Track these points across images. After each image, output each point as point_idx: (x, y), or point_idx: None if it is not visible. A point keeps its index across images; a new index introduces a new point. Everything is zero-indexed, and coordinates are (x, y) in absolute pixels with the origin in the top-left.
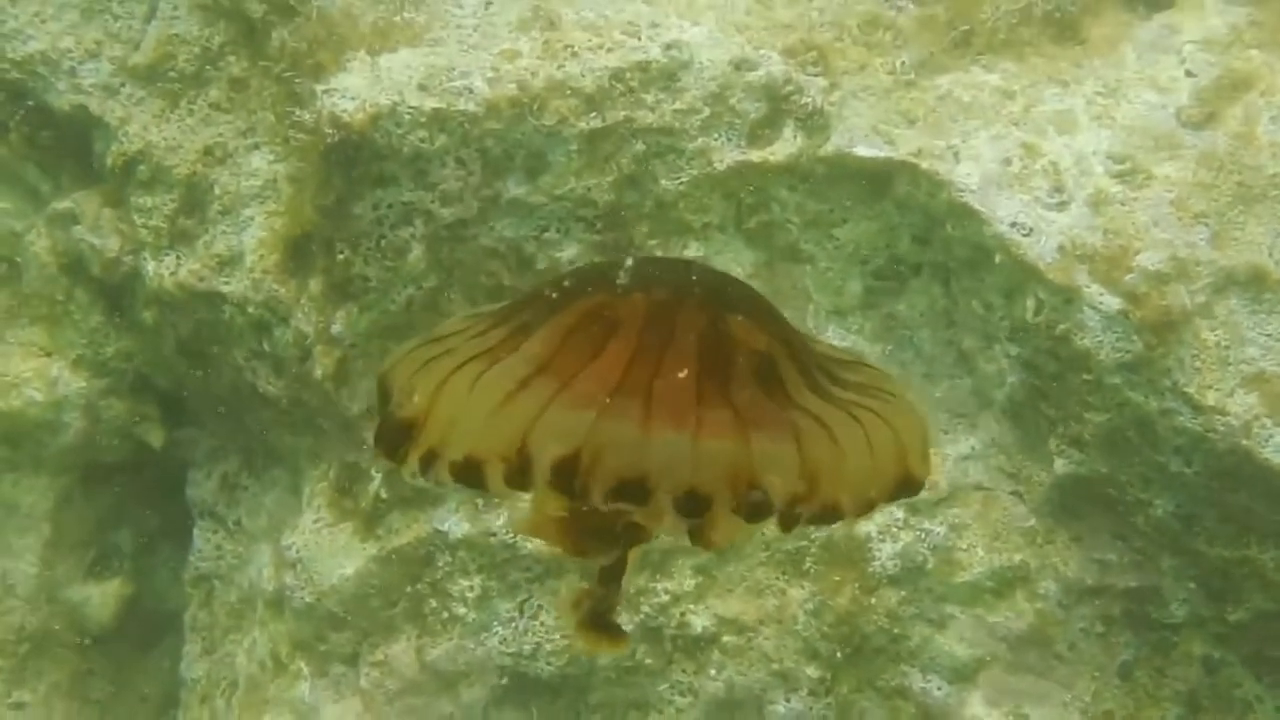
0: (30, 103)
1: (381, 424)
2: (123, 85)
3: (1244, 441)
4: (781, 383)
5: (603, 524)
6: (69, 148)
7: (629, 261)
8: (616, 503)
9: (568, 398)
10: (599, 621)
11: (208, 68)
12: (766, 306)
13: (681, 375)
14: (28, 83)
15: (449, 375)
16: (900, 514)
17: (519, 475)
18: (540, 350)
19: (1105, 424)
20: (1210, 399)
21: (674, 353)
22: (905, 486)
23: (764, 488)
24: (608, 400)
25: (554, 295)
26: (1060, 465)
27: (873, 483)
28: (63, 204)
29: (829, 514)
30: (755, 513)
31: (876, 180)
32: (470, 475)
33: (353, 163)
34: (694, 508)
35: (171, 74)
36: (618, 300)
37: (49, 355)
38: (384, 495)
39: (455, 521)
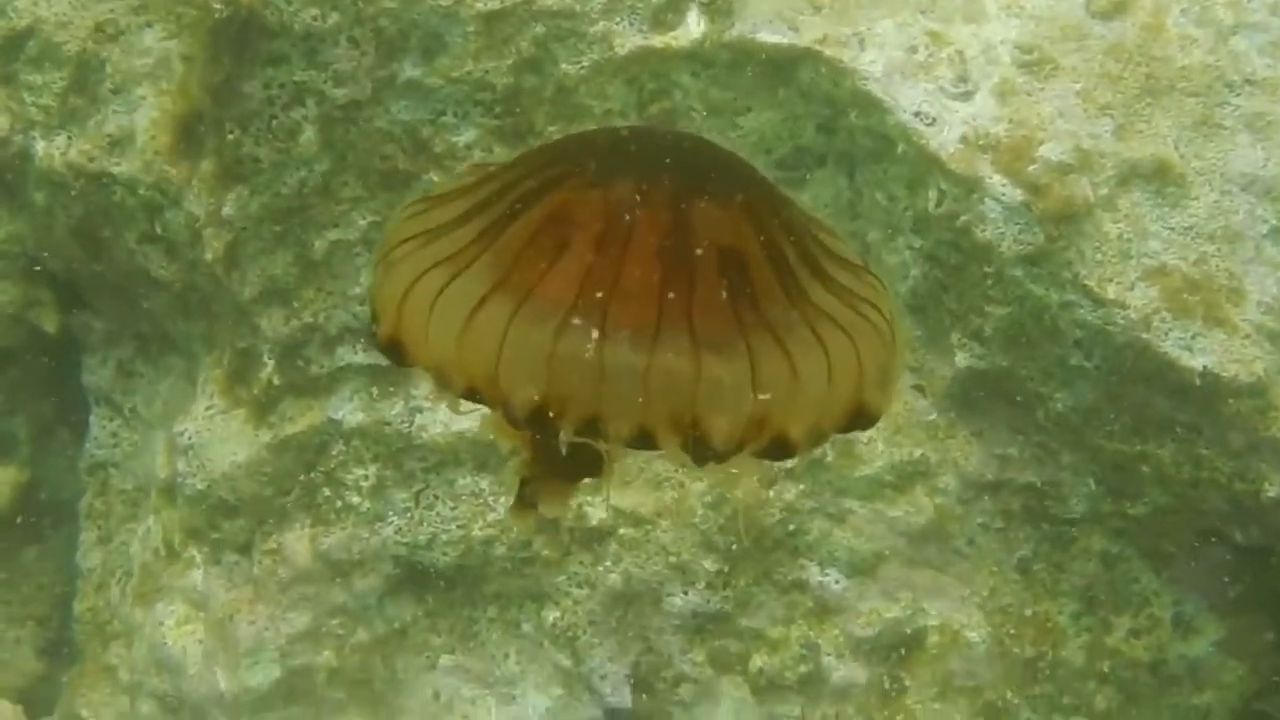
0: None
1: (374, 339)
2: None
3: (1143, 335)
4: (750, 286)
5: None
6: None
7: (603, 138)
8: (582, 437)
9: (524, 320)
10: (531, 504)
11: None
12: (752, 182)
13: (641, 285)
14: None
15: (412, 284)
16: None
17: (508, 414)
18: (499, 260)
19: (1006, 317)
20: (1111, 292)
21: (634, 256)
22: (857, 419)
23: (705, 429)
24: (563, 323)
25: (520, 184)
26: (961, 359)
27: (825, 414)
28: None
29: (778, 449)
30: (700, 455)
31: (780, 68)
32: (477, 400)
33: (243, 40)
34: (644, 445)
35: None
36: (579, 195)
37: None
38: (277, 382)
39: (350, 410)
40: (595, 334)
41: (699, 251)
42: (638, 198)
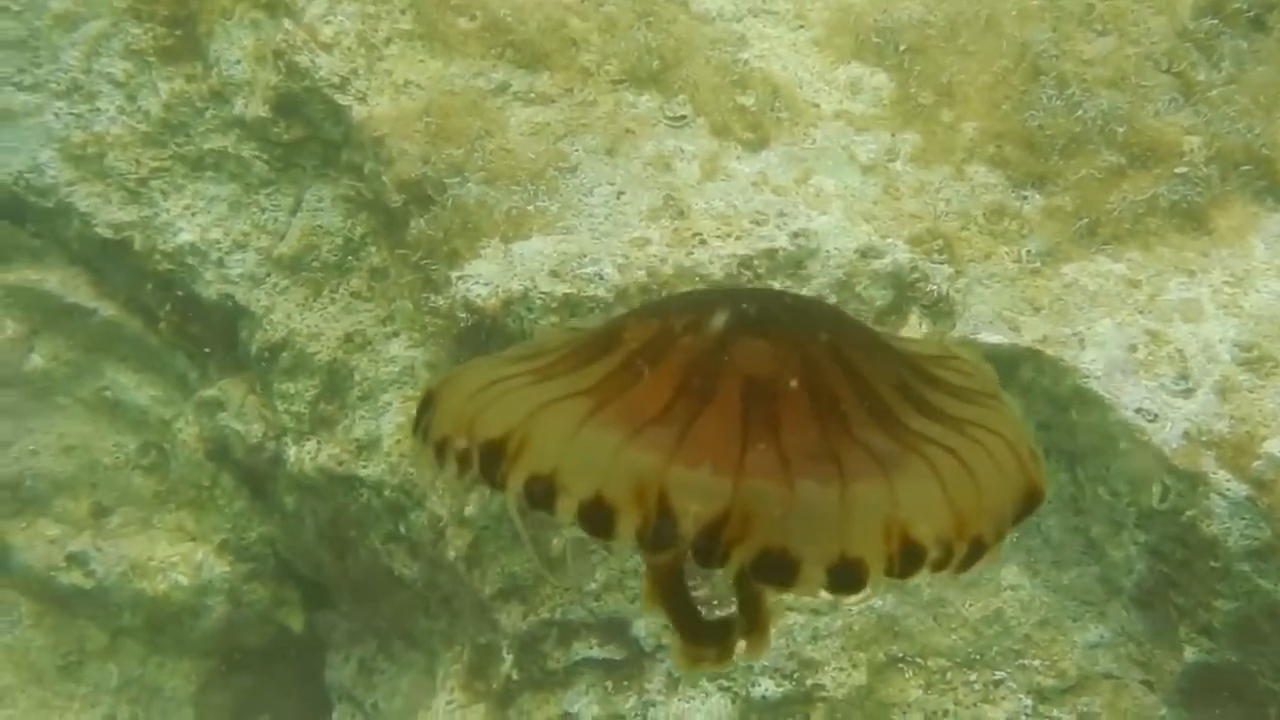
0: (179, 293)
1: (477, 448)
2: (268, 275)
3: None
4: (891, 412)
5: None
6: (216, 336)
7: (713, 298)
8: (758, 577)
9: (696, 449)
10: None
11: (349, 257)
12: (852, 323)
13: (801, 420)
14: (177, 273)
15: (542, 406)
16: (1029, 702)
17: (657, 531)
18: (653, 398)
19: (1235, 612)
20: None
21: (785, 398)
22: (1031, 500)
23: (917, 540)
24: (744, 452)
25: (650, 338)
26: (1190, 654)
27: (1006, 505)
28: (209, 391)
29: (975, 552)
30: (909, 568)
31: (1002, 366)
32: (598, 519)
33: (486, 347)
34: (849, 578)
35: (315, 264)
36: (714, 343)
37: (194, 540)
38: (515, 676)
39: (585, 704)
40: (778, 468)
41: (838, 387)
42: (768, 341)
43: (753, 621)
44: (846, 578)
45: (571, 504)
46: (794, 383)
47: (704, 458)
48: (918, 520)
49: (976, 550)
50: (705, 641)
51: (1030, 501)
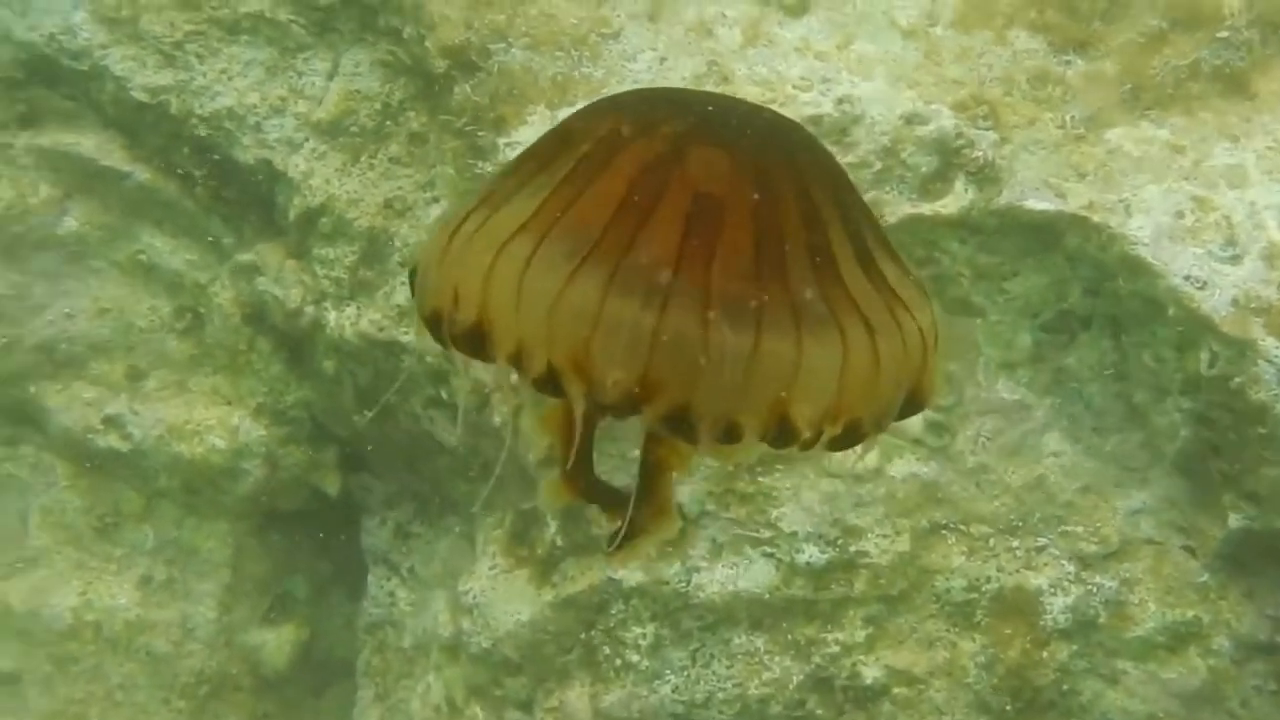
0: (216, 157)
1: (448, 333)
2: (306, 140)
3: None
4: (834, 263)
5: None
6: (253, 201)
7: (666, 103)
8: (664, 431)
9: (622, 286)
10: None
11: (388, 123)
12: (825, 155)
13: (739, 255)
14: (214, 138)
15: (495, 259)
16: (1071, 568)
17: (592, 399)
18: (588, 223)
19: None
20: None
21: (730, 224)
22: (917, 401)
23: (792, 419)
24: (666, 287)
25: (590, 150)
26: (1234, 520)
27: (895, 401)
28: (246, 256)
29: (849, 436)
30: (781, 442)
31: (1047, 233)
32: (550, 386)
33: None
34: (730, 437)
35: (353, 129)
36: (660, 156)
37: (230, 404)
38: (559, 542)
39: (629, 570)
40: (699, 309)
41: (788, 219)
42: (721, 155)
43: (652, 496)
44: (728, 438)
45: (532, 368)
46: (743, 208)
47: (633, 295)
48: (802, 399)
49: (851, 434)
50: (585, 491)
51: (917, 402)
